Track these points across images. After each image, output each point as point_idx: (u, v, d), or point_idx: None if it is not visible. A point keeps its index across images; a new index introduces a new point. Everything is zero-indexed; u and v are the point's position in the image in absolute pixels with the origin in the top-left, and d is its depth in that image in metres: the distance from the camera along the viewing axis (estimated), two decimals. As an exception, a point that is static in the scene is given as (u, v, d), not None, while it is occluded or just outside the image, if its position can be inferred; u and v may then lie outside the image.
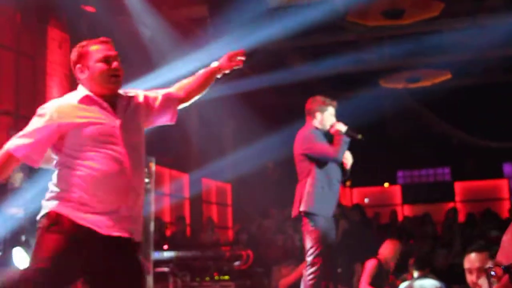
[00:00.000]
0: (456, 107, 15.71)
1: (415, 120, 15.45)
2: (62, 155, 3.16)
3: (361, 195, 18.20)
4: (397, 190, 18.61)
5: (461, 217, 13.96)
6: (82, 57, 3.31)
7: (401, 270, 7.88)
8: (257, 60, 10.20)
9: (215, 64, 3.68)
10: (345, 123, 5.81)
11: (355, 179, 18.93)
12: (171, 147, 13.03)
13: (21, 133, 3.16)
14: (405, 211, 17.77)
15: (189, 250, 7.58)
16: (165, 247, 8.29)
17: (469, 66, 13.28)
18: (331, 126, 5.78)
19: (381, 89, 14.41)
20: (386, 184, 18.57)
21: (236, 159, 14.40)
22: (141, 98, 3.47)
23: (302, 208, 5.53)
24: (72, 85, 8.59)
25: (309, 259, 5.48)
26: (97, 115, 3.20)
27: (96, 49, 3.30)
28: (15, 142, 3.13)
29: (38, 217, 3.13)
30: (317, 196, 5.56)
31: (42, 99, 8.14)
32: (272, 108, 14.39)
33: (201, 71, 3.72)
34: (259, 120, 12.32)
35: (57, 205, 3.07)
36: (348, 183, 18.58)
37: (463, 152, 16.98)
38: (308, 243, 5.50)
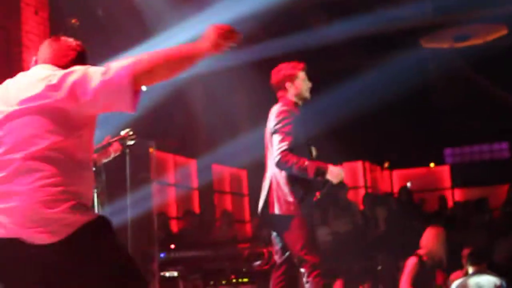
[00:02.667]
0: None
1: (465, 86, 15.38)
2: None
3: (403, 179, 18.18)
4: (445, 171, 18.59)
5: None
6: None
7: (454, 266, 7.90)
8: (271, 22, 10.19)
9: (201, 44, 3.21)
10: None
11: (395, 159, 18.95)
12: (174, 129, 13.10)
13: None
14: (455, 195, 17.75)
15: (200, 249, 7.64)
16: (172, 246, 8.35)
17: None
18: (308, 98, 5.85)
19: (423, 50, 14.34)
20: (432, 165, 18.55)
21: (252, 141, 14.40)
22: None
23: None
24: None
25: (307, 257, 5.57)
26: None
27: None
28: None
29: None
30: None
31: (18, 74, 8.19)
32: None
33: (179, 47, 3.32)
34: (275, 94, 12.31)
35: None
36: (386, 165, 18.60)
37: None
38: (297, 239, 5.61)
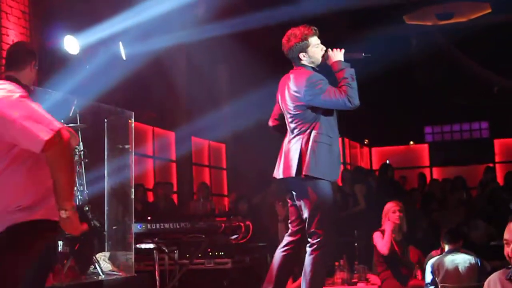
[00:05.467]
0: (497, 48, 15.66)
1: (447, 64, 15.43)
2: None
3: (382, 156, 18.28)
4: (424, 149, 18.71)
5: (501, 181, 14.04)
6: None
7: (431, 244, 7.98)
8: None
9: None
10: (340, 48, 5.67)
11: (375, 136, 19.02)
12: (153, 100, 13.05)
13: None
14: (434, 174, 17.88)
15: (177, 221, 7.63)
16: (149, 218, 8.35)
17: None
18: (325, 58, 5.62)
19: (406, 27, 14.36)
20: (411, 143, 18.65)
21: (232, 113, 14.43)
22: None
23: (306, 171, 5.39)
24: (31, 24, 8.57)
25: (318, 234, 5.40)
26: None
27: None
28: None
29: None
30: (324, 155, 5.43)
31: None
32: (275, 50, 14.31)
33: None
34: (260, 66, 12.29)
35: None
36: (366, 142, 18.67)
37: (505, 103, 16.98)
38: (314, 214, 5.40)
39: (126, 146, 7.50)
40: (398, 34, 14.30)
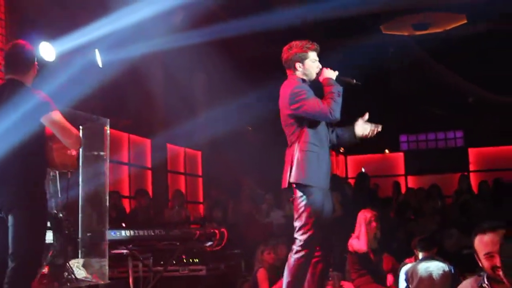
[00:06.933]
0: (472, 58, 15.81)
1: (423, 74, 15.55)
2: None
3: (357, 164, 18.37)
4: (399, 157, 18.81)
5: (476, 189, 14.15)
6: None
7: (406, 253, 8.04)
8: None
9: None
10: (334, 69, 5.84)
11: (351, 145, 19.05)
12: (129, 107, 13.03)
13: None
14: (409, 182, 17.98)
15: (152, 228, 7.64)
16: (124, 225, 8.35)
17: (488, 8, 13.32)
18: (318, 74, 5.81)
19: (383, 36, 14.46)
20: (386, 151, 18.75)
21: (208, 121, 14.44)
22: None
23: (292, 179, 5.55)
24: (7, 30, 8.54)
25: (301, 238, 5.51)
26: None
27: None
28: None
29: None
30: (310, 164, 5.57)
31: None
32: (252, 59, 14.39)
33: None
34: (237, 74, 12.33)
35: None
36: (341, 150, 18.73)
37: (480, 112, 17.14)
38: (301, 219, 5.51)
39: (102, 153, 7.49)
40: (374, 43, 14.40)
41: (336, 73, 5.78)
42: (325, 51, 5.94)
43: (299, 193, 5.56)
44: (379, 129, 6.08)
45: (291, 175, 5.56)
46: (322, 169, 5.65)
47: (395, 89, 16.79)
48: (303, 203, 5.53)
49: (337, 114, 5.57)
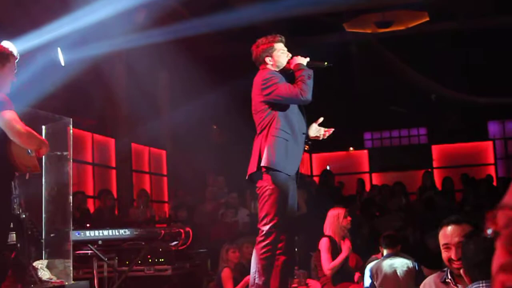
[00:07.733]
0: (435, 56, 15.96)
1: (386, 72, 15.65)
2: None
3: (322, 162, 18.43)
4: (364, 155, 18.91)
5: (440, 186, 14.27)
6: None
7: (370, 249, 8.09)
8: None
9: None
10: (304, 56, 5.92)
11: (315, 143, 19.13)
12: (93, 107, 12.95)
13: None
14: (373, 179, 18.09)
15: (116, 228, 7.59)
16: (88, 225, 8.29)
17: (451, 6, 13.45)
18: (289, 63, 5.91)
19: (345, 35, 14.53)
20: (351, 149, 18.84)
21: (172, 120, 14.41)
22: None
23: (262, 163, 5.56)
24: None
25: (264, 228, 5.52)
26: None
27: None
28: None
29: None
30: (280, 149, 5.60)
31: None
32: (215, 58, 14.38)
33: None
34: (200, 73, 12.32)
35: None
36: (306, 148, 18.78)
37: (443, 110, 17.31)
38: (265, 207, 5.53)
39: (65, 153, 7.42)
40: (337, 41, 14.47)
41: (308, 59, 5.90)
42: (288, 49, 6.00)
43: (265, 178, 5.58)
44: (330, 132, 6.15)
45: (262, 159, 5.58)
46: (291, 157, 5.69)
47: (358, 88, 16.89)
48: (270, 187, 5.54)
49: (307, 95, 5.68)
